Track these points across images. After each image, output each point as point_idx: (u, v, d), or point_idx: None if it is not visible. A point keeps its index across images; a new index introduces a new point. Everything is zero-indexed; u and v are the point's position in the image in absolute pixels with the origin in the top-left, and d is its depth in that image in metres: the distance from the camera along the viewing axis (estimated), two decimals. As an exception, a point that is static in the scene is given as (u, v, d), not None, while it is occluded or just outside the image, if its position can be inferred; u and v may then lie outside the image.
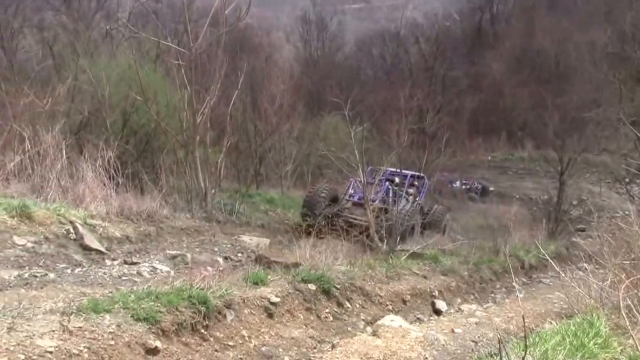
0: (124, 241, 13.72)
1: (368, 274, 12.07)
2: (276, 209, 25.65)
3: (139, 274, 11.18)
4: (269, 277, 10.01)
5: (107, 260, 12.09)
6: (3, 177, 15.07)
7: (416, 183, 23.64)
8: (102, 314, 7.06)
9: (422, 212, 22.54)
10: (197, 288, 8.33)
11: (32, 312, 6.81)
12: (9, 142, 16.68)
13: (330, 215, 20.27)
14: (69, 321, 6.63)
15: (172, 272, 11.48)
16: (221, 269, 11.86)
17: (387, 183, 21.69)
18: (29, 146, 16.27)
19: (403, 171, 23.15)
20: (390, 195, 20.74)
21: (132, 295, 7.75)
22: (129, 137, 23.28)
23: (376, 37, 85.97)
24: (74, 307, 7.00)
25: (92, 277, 10.55)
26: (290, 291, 9.85)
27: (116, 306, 7.33)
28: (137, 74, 20.78)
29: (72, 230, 12.65)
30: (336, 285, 10.75)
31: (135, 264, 11.92)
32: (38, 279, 9.71)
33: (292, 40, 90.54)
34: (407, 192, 22.38)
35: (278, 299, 9.39)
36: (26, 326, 6.39)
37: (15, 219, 12.09)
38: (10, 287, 9.04)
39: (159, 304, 7.62)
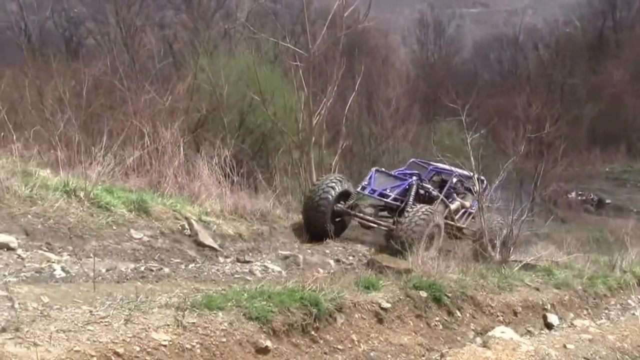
0: (237, 239, 13.86)
1: (480, 283, 11.87)
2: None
3: (251, 272, 11.27)
4: (381, 282, 9.94)
5: (220, 258, 12.24)
6: (123, 172, 15.43)
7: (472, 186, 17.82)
8: (215, 311, 7.15)
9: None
10: (309, 290, 8.34)
11: (148, 306, 6.95)
12: (129, 138, 17.08)
13: (341, 214, 16.25)
14: (183, 316, 6.75)
15: (283, 273, 11.53)
16: (332, 271, 11.90)
17: (413, 179, 16.65)
18: (148, 142, 16.65)
19: (450, 168, 18.18)
20: (412, 193, 15.97)
21: (245, 294, 7.82)
22: (245, 136, 23.66)
23: (494, 42, 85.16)
24: (189, 303, 7.11)
25: (205, 273, 10.70)
26: (401, 297, 9.77)
27: (229, 304, 7.40)
28: (256, 74, 21.03)
29: (187, 226, 12.88)
30: (447, 294, 10.61)
31: (247, 262, 12.02)
32: (153, 273, 9.91)
33: (408, 43, 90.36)
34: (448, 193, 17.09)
35: (389, 305, 9.33)
36: (142, 319, 6.53)
37: (133, 212, 12.40)
38: (127, 279, 9.25)
39: (271, 304, 7.66)
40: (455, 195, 17.26)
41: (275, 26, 29.97)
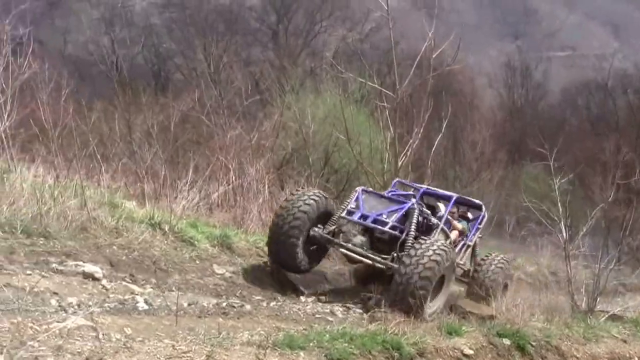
0: (319, 279, 13.82)
1: (565, 333, 11.59)
2: (475, 257, 25.19)
3: (332, 313, 11.20)
4: (463, 327, 9.77)
5: (301, 297, 12.22)
6: (207, 207, 15.58)
7: (469, 214, 15.49)
8: (296, 351, 7.10)
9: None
10: (391, 333, 8.24)
11: (230, 342, 6.94)
12: (215, 173, 17.26)
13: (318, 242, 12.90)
14: (264, 355, 6.70)
15: (365, 315, 11.41)
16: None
17: (412, 201, 13.47)
18: (233, 178, 16.79)
19: (444, 191, 15.86)
20: (414, 220, 12.68)
21: (327, 335, 7.76)
22: (329, 175, 23.65)
23: (582, 87, 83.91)
24: (270, 341, 7.06)
25: (286, 312, 10.66)
26: (484, 344, 9.58)
27: (311, 344, 7.35)
28: (342, 113, 21.03)
29: (269, 264, 12.87)
30: (531, 342, 10.37)
31: (329, 302, 11.95)
32: (235, 309, 9.90)
33: (495, 87, 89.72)
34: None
35: (471, 352, 9.14)
36: (224, 355, 6.51)
37: (216, 248, 12.52)
38: (209, 314, 9.25)
39: (352, 346, 7.59)
40: (451, 222, 14.34)
41: (362, 66, 29.98)
